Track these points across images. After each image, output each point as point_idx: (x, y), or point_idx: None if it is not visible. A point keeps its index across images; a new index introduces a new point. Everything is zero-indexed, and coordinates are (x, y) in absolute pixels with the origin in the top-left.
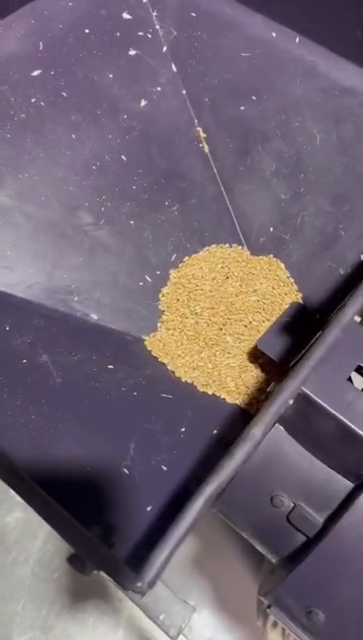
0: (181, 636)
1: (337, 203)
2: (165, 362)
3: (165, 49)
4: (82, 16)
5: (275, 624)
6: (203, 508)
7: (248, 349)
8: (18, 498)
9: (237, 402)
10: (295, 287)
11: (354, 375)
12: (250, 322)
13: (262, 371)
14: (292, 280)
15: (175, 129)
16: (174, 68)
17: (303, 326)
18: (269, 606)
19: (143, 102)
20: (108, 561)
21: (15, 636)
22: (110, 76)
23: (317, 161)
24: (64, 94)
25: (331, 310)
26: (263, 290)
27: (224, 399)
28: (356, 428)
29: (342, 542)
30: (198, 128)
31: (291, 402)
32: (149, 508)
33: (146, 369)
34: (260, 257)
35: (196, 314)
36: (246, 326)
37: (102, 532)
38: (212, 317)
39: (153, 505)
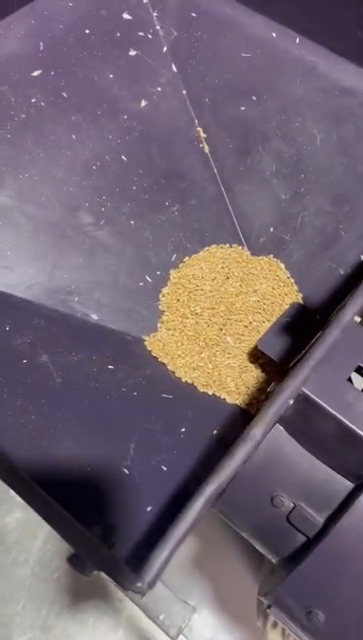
0: (181, 636)
1: (337, 203)
2: (165, 362)
3: (165, 49)
4: (82, 16)
5: (275, 624)
6: (203, 509)
7: (248, 350)
8: (18, 498)
9: (238, 402)
10: (296, 287)
11: (354, 375)
12: (250, 322)
13: (263, 371)
14: (292, 280)
15: (175, 129)
16: (175, 69)
17: (304, 326)
18: (269, 606)
19: (143, 102)
20: (109, 561)
21: (15, 636)
22: (111, 76)
23: (317, 161)
24: (64, 94)
25: (331, 310)
26: (264, 290)
27: (224, 399)
28: (356, 429)
29: (342, 542)
30: (199, 128)
31: (291, 402)
32: (149, 509)
33: (146, 369)
34: (260, 257)
35: (196, 314)
36: (246, 326)
37: (102, 532)
38: (212, 318)
39: (153, 505)
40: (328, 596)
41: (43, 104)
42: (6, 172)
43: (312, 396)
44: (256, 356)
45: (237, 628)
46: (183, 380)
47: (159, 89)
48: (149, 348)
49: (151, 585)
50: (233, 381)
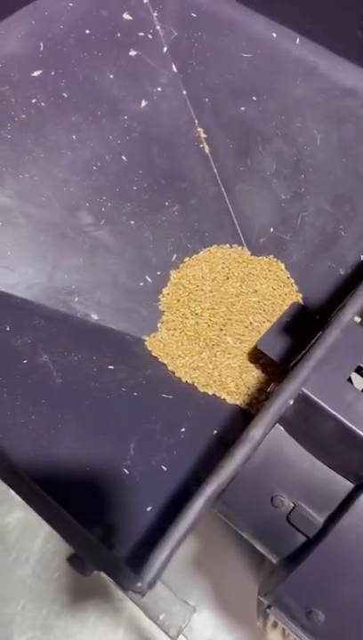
0: (181, 636)
1: (338, 203)
2: (165, 362)
3: (165, 49)
4: (82, 17)
5: (275, 624)
6: (203, 509)
7: (249, 350)
8: (18, 498)
9: (238, 402)
10: (296, 288)
11: (354, 376)
12: (250, 322)
13: (263, 371)
14: (292, 280)
15: (176, 129)
16: (175, 69)
17: (304, 327)
18: (269, 606)
19: (144, 103)
20: (109, 561)
21: (16, 635)
22: (111, 76)
23: (317, 161)
24: (65, 95)
25: (331, 311)
26: (264, 290)
27: (224, 399)
28: (356, 429)
29: (342, 542)
30: (199, 128)
31: (291, 402)
32: (149, 509)
33: (146, 369)
34: (260, 257)
35: (196, 314)
36: (246, 327)
37: (102, 532)
38: (212, 318)
39: (153, 505)
40: (328, 596)
41: (43, 104)
42: (7, 173)
43: (312, 397)
44: (256, 356)
45: (238, 628)
46: (183, 381)
47: (159, 89)
48: (150, 349)
49: (151, 585)
50: (233, 381)
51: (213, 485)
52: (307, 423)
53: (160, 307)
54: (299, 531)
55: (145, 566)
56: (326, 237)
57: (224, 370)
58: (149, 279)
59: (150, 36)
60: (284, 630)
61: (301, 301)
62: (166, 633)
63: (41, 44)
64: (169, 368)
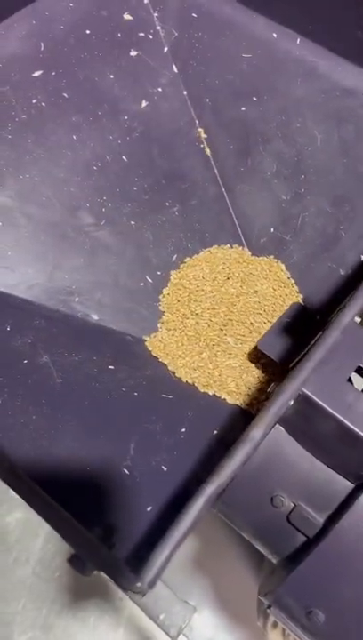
0: (181, 636)
1: (338, 203)
2: (165, 362)
3: (166, 50)
4: (83, 17)
5: (275, 624)
6: (203, 509)
7: (249, 350)
8: (19, 498)
9: (238, 402)
10: (296, 288)
11: (354, 376)
12: (251, 323)
13: (263, 371)
14: (292, 281)
15: (176, 130)
16: (175, 69)
17: (304, 327)
18: (269, 606)
19: (144, 103)
20: (109, 561)
21: (16, 635)
22: (111, 76)
23: (318, 162)
24: (65, 95)
25: (331, 311)
26: (264, 291)
27: (225, 400)
28: (356, 429)
29: (343, 542)
30: (199, 129)
31: (291, 403)
32: (149, 509)
33: (146, 369)
34: (260, 258)
35: (196, 314)
36: (246, 327)
37: (103, 532)
38: (212, 318)
39: (153, 505)
40: (328, 596)
41: (44, 104)
42: (7, 173)
43: (312, 397)
44: (257, 356)
45: (238, 628)
46: (184, 381)
47: (160, 89)
48: (150, 349)
49: (151, 585)
50: (234, 382)
51: (213, 485)
52: (307, 423)
53: (160, 307)
54: (299, 531)
55: (145, 566)
56: (327, 238)
57: (225, 370)
58: (149, 279)
59: (151, 37)
60: (284, 630)
61: (301, 302)
62: (167, 633)
63: (41, 45)
64: (169, 368)
